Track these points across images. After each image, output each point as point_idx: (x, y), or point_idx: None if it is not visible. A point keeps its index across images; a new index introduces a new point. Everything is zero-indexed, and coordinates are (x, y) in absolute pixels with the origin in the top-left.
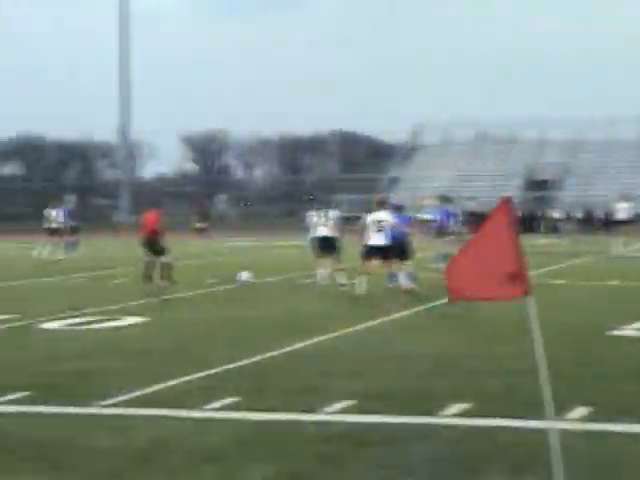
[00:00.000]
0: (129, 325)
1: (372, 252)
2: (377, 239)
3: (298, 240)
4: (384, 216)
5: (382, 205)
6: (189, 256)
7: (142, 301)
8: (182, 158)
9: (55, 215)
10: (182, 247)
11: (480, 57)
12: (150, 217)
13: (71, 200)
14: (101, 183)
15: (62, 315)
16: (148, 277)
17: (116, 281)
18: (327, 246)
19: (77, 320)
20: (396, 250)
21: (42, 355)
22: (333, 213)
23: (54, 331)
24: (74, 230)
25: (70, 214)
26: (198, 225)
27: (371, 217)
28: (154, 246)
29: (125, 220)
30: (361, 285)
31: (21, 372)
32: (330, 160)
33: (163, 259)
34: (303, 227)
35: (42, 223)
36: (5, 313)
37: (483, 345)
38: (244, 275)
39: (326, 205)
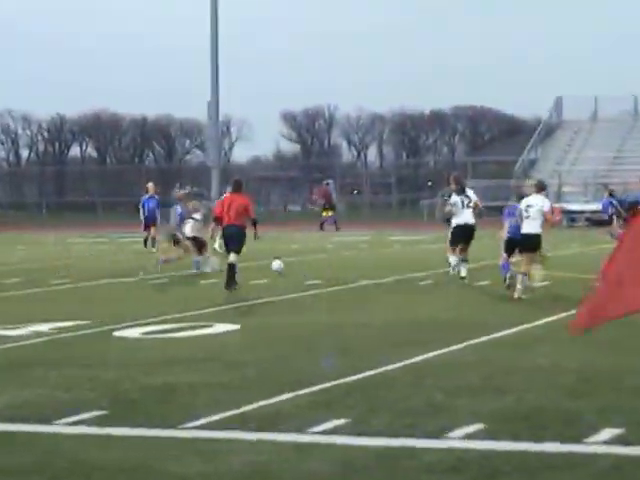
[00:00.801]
0: (218, 333)
1: (523, 241)
2: (530, 227)
3: (419, 234)
4: (538, 201)
5: (541, 189)
6: (289, 252)
7: (233, 305)
8: (281, 139)
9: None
10: (279, 242)
11: None
12: (238, 201)
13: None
14: (187, 167)
15: (142, 321)
16: (231, 277)
17: (203, 281)
18: (468, 235)
19: (158, 327)
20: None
21: (119, 368)
22: (474, 197)
23: (132, 340)
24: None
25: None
26: (324, 214)
27: (524, 203)
28: (238, 240)
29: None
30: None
31: (96, 388)
32: (455, 140)
33: (232, 258)
34: (427, 216)
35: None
36: (75, 319)
37: (635, 358)
38: (275, 264)
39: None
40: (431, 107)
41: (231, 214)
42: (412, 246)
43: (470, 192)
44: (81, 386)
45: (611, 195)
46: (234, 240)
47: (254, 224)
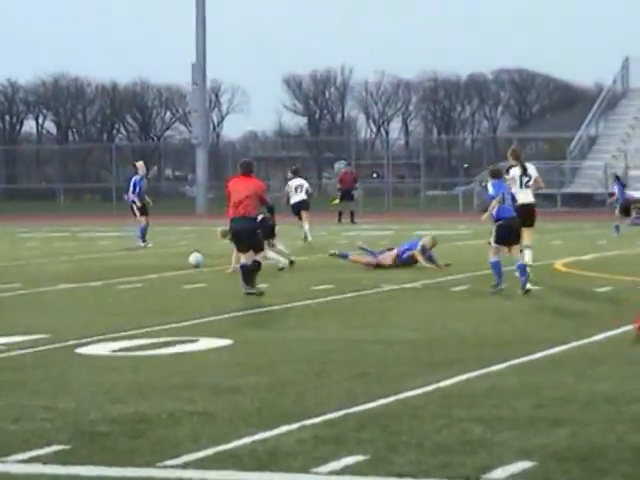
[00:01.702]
0: (205, 350)
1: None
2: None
3: (453, 227)
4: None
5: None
6: (295, 250)
7: (224, 315)
8: (283, 110)
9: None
10: (283, 237)
11: None
12: (250, 185)
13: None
14: (167, 146)
15: (111, 335)
16: (249, 278)
17: (187, 286)
18: (528, 216)
19: (132, 343)
20: None
21: (83, 393)
22: (534, 173)
23: (100, 358)
24: (143, 210)
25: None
26: (334, 203)
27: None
28: (253, 235)
29: (201, 197)
30: None
31: (54, 418)
32: (497, 112)
33: (260, 256)
34: (463, 206)
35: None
36: (28, 333)
37: None
38: (193, 258)
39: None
40: (469, 71)
41: (245, 203)
42: (444, 243)
43: (531, 168)
44: (36, 416)
45: None
46: (252, 236)
47: (271, 212)
